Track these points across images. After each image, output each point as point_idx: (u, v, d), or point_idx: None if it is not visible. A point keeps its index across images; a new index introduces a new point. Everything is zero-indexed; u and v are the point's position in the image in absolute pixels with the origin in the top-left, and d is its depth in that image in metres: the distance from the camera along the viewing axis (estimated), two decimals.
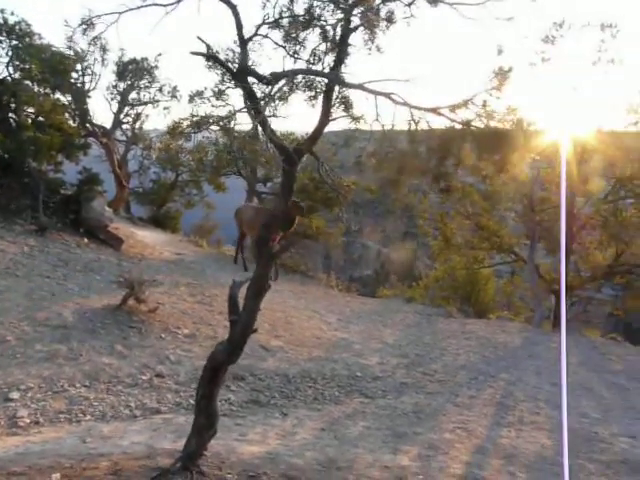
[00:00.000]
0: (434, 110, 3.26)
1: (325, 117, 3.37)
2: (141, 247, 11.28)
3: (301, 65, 3.43)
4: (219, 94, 3.55)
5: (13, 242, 8.36)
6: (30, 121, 10.26)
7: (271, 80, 3.10)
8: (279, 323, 7.90)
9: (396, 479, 3.55)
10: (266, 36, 3.26)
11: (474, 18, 3.27)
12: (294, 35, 3.29)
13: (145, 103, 16.39)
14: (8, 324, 5.67)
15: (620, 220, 10.56)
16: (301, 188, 12.66)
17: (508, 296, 15.42)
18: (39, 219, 9.32)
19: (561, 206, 10.46)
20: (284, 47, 3.37)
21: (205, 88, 3.64)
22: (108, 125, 15.85)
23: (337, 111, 3.48)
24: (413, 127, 3.30)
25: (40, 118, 10.42)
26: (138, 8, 3.22)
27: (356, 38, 3.35)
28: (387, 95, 3.13)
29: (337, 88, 3.38)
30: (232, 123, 3.96)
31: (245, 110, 3.25)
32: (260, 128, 3.13)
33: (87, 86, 14.89)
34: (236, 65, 3.28)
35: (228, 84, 3.51)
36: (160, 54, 15.73)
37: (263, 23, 3.26)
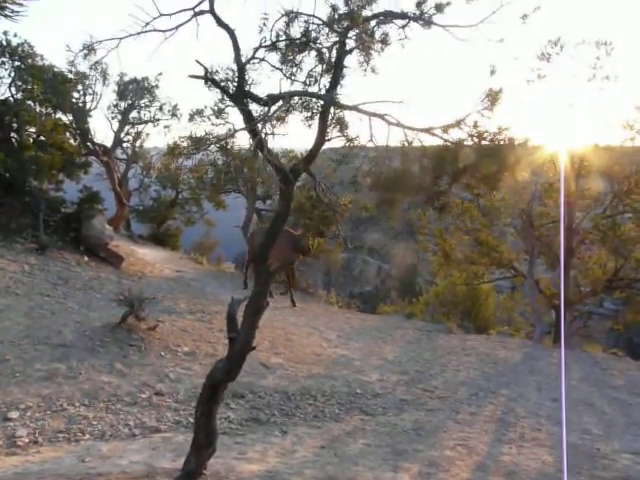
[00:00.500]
0: (427, 130, 3.33)
1: (321, 137, 3.44)
2: (141, 265, 11.32)
3: (298, 86, 3.51)
4: (219, 112, 3.61)
5: (14, 260, 8.40)
6: (32, 141, 10.40)
7: (268, 101, 3.16)
8: (279, 340, 7.89)
9: None
10: (263, 59, 3.34)
11: (467, 40, 3.37)
12: (290, 58, 3.37)
13: (145, 122, 16.61)
14: (8, 343, 5.67)
15: (619, 234, 10.59)
16: (298, 207, 12.74)
17: (508, 312, 15.36)
18: (39, 237, 9.37)
19: (560, 221, 10.56)
20: (281, 69, 3.45)
21: (205, 107, 3.70)
22: (109, 144, 16.06)
23: (333, 131, 3.55)
24: (407, 146, 3.36)
25: (41, 137, 10.57)
26: (138, 34, 3.30)
27: (351, 60, 3.44)
28: (381, 116, 3.20)
29: (332, 109, 3.44)
30: (231, 142, 4.02)
31: (244, 129, 3.32)
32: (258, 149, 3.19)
33: (88, 105, 15.15)
34: (235, 85, 3.35)
35: (228, 102, 3.58)
36: (160, 73, 16.00)
37: (260, 46, 3.34)
